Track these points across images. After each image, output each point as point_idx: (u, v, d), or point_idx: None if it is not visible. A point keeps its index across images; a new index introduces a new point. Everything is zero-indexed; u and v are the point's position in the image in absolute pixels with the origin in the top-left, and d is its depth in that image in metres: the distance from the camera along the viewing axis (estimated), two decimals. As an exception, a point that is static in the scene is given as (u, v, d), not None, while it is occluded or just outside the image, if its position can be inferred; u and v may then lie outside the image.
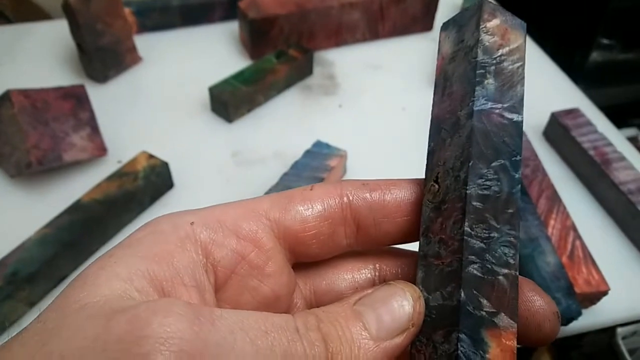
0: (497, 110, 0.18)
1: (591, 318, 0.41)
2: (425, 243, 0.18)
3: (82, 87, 0.49)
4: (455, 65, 0.19)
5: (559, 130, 0.53)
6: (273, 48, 0.63)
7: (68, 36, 0.58)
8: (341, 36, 0.67)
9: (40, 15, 0.82)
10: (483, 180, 0.17)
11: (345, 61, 0.66)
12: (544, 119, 0.55)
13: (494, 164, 0.18)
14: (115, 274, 0.16)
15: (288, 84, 0.61)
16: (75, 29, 0.55)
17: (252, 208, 0.19)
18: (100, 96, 0.56)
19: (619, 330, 0.80)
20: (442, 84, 0.20)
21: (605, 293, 0.40)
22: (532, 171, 0.49)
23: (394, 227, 0.20)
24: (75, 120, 0.48)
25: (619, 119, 0.64)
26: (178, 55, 0.65)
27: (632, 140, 0.87)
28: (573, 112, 0.53)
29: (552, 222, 0.44)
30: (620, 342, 0.79)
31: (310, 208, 0.19)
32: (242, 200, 0.19)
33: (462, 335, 0.16)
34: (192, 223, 0.18)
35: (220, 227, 0.18)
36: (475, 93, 0.18)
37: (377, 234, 0.20)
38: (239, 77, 0.57)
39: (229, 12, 0.69)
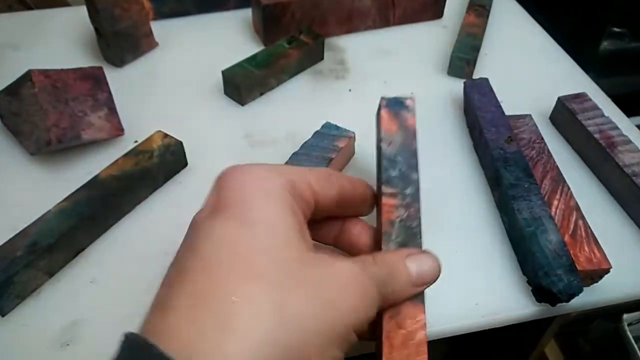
0: None
1: (594, 295, 0.42)
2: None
3: (100, 68, 0.51)
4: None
5: (565, 114, 0.54)
6: (285, 35, 0.64)
7: (87, 22, 0.59)
8: (352, 23, 0.68)
9: (58, 2, 0.84)
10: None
11: (356, 47, 0.67)
12: (551, 104, 0.56)
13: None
14: None
15: (299, 68, 0.62)
16: (94, 13, 0.57)
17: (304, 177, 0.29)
18: (117, 79, 0.58)
19: (625, 316, 0.81)
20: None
21: (606, 271, 0.41)
22: (537, 153, 0.49)
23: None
24: (93, 100, 0.50)
25: (630, 108, 0.64)
26: (193, 41, 0.67)
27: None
28: (580, 97, 0.54)
29: (555, 202, 0.45)
30: (627, 328, 0.80)
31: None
32: (300, 167, 0.30)
33: None
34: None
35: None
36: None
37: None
38: (251, 61, 0.58)
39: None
